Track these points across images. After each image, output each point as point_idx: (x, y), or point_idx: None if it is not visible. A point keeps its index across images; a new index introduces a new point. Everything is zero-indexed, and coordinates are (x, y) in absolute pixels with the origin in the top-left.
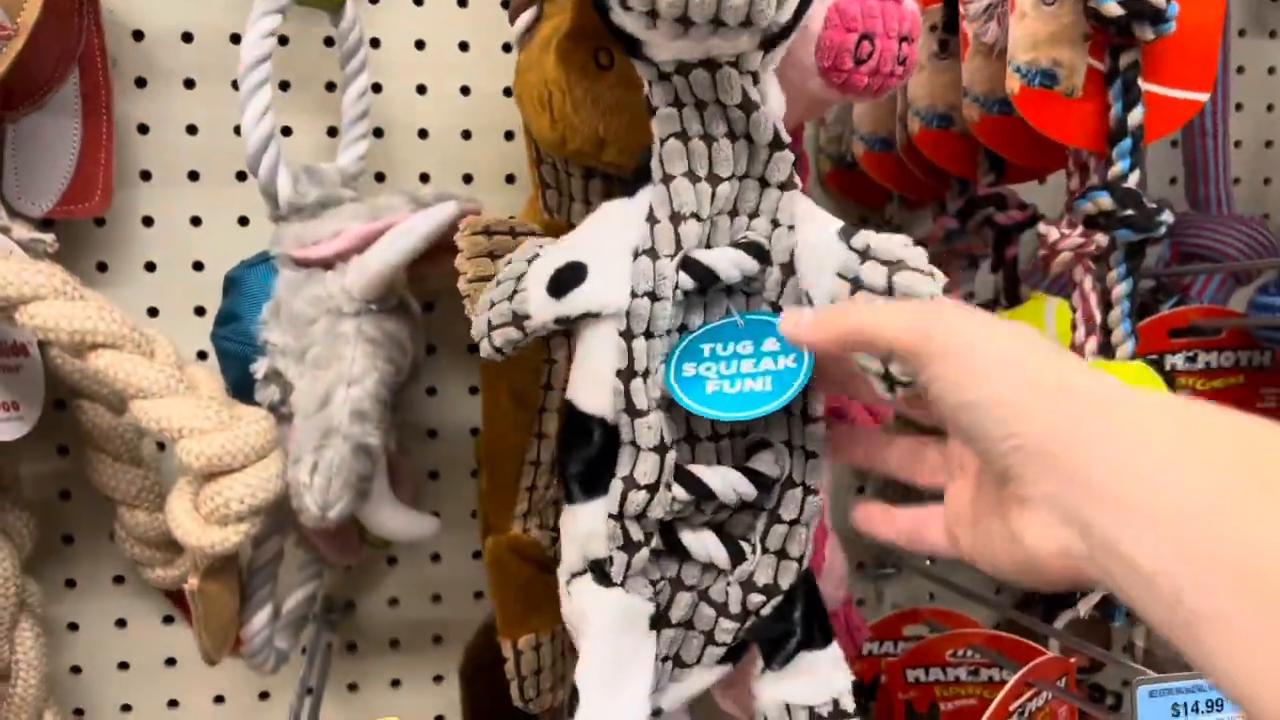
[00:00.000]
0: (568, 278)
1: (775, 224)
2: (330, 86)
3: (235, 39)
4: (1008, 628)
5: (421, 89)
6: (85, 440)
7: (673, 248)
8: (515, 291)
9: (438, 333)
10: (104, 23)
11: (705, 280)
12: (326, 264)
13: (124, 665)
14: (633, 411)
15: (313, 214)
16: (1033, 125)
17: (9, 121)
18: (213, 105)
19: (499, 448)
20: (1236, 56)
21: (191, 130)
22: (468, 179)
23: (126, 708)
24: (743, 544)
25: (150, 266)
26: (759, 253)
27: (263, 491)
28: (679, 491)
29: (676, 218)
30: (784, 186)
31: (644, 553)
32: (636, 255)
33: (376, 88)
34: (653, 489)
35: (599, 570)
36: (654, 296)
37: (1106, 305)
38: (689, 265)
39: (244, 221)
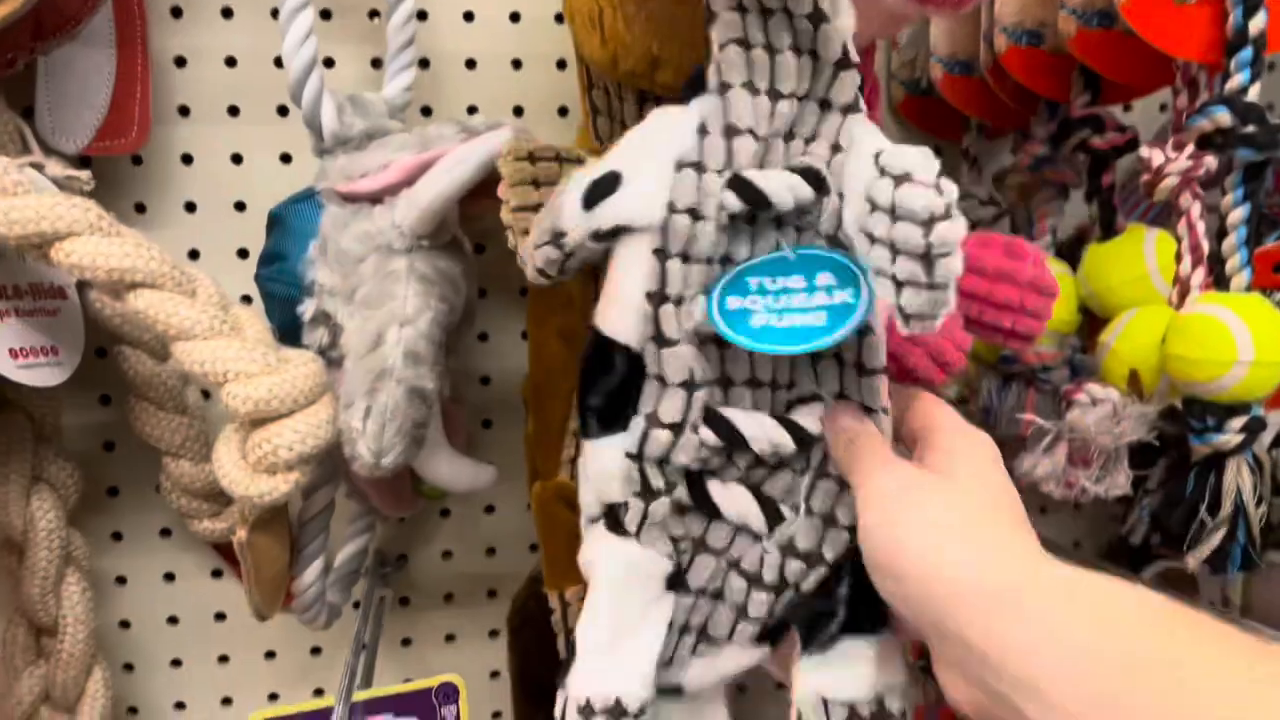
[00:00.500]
0: (602, 188)
1: (836, 149)
2: (374, 14)
3: None
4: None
5: (469, 15)
6: (128, 388)
7: (722, 164)
8: (554, 208)
9: (490, 276)
10: None
11: (755, 204)
12: (375, 198)
13: (173, 620)
14: (661, 340)
15: (359, 146)
16: (1142, 36)
17: (40, 53)
18: (252, 36)
19: (546, 390)
20: None
21: (230, 63)
22: (518, 111)
23: (176, 663)
24: (782, 507)
25: (190, 207)
26: (816, 180)
27: (313, 438)
28: (707, 435)
29: (730, 131)
30: (847, 110)
31: (664, 502)
32: (680, 167)
33: (422, 15)
34: (677, 429)
35: (613, 517)
36: (695, 214)
37: (1217, 234)
38: (738, 185)
39: (287, 159)
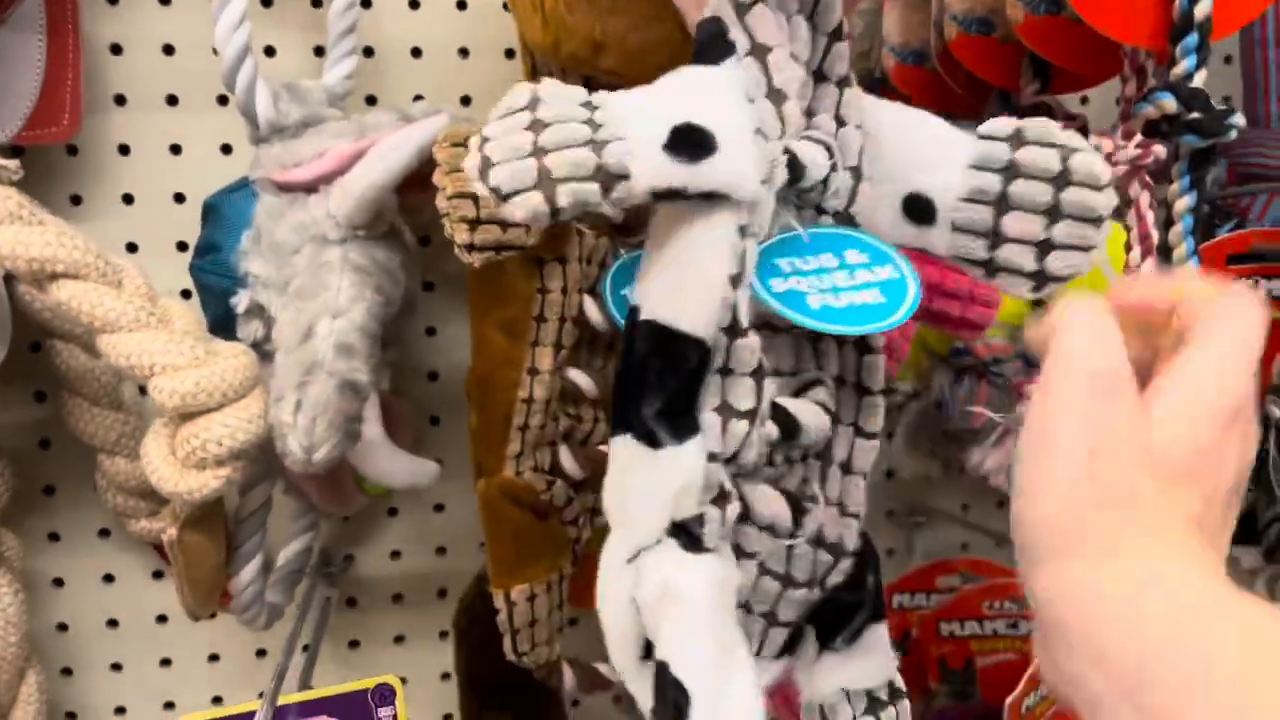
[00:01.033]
0: (697, 140)
1: (841, 122)
2: (317, 2)
3: None
4: None
5: (414, 3)
6: (61, 383)
7: (778, 132)
8: (596, 138)
9: (435, 268)
10: None
11: (795, 177)
12: (310, 188)
13: (113, 622)
14: (734, 330)
15: (295, 135)
16: (1088, 22)
17: None
18: (190, 23)
19: (489, 384)
20: None
21: (168, 50)
22: (465, 100)
23: (117, 666)
24: (802, 501)
25: (128, 198)
26: (829, 151)
27: (243, 433)
28: (771, 429)
29: (778, 96)
30: (842, 83)
31: (735, 507)
32: (755, 134)
33: (366, 2)
34: (752, 419)
35: (686, 534)
36: (766, 190)
37: (1165, 224)
38: (789, 156)
39: (227, 149)
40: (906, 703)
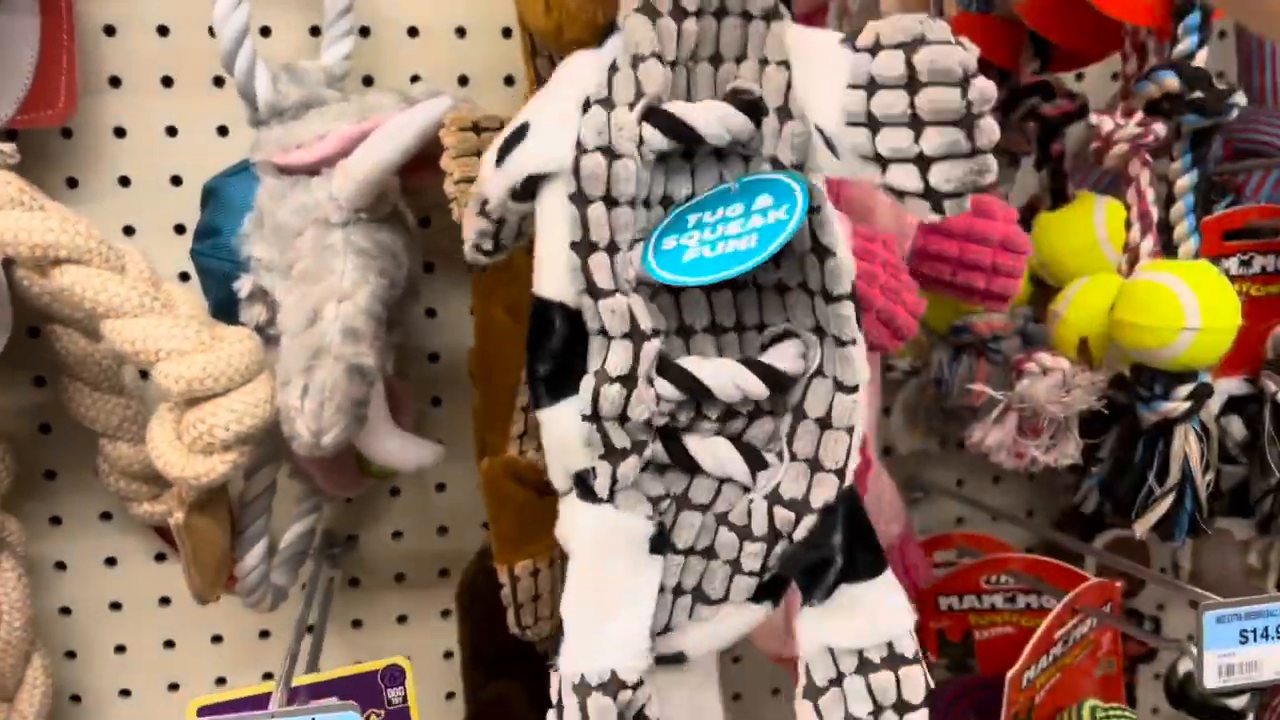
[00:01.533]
0: (511, 141)
1: (764, 62)
2: None
3: None
4: (1043, 549)
5: None
6: (61, 368)
7: (632, 95)
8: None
9: (437, 250)
10: None
11: (683, 138)
12: (311, 170)
13: (116, 605)
14: (594, 291)
15: (295, 116)
16: (1090, 1)
17: None
18: (184, 4)
19: (493, 365)
20: None
21: (163, 31)
22: (463, 80)
23: (120, 649)
24: (765, 454)
25: (124, 181)
26: (751, 106)
27: (250, 417)
28: (665, 388)
29: (636, 60)
30: (769, 17)
31: (632, 462)
32: (588, 106)
33: None
34: (627, 381)
35: (583, 484)
36: (610, 153)
37: (1165, 201)
38: (657, 117)
39: (224, 131)
40: (915, 668)
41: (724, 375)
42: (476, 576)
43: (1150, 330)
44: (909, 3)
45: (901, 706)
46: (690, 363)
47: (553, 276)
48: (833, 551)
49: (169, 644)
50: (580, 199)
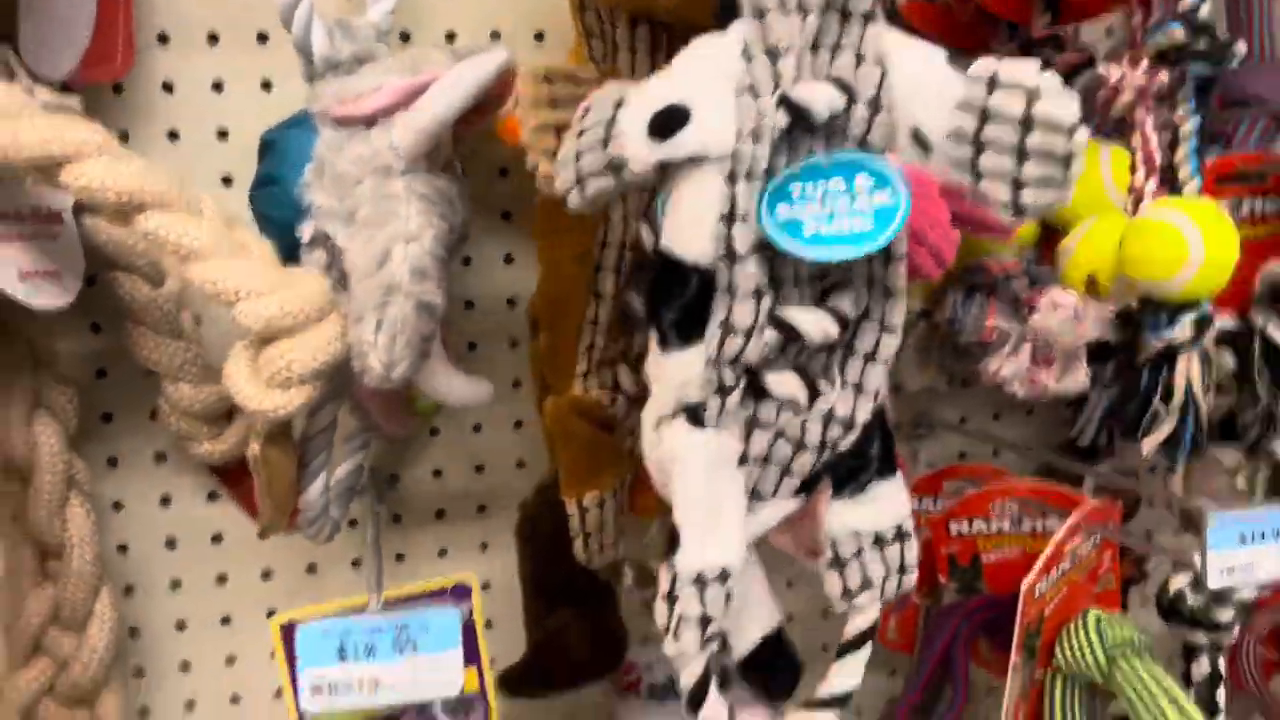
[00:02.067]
0: (671, 119)
1: (860, 59)
2: None
3: None
4: (1044, 472)
5: None
6: (125, 314)
7: (771, 85)
8: (608, 138)
9: (470, 199)
10: None
11: (798, 117)
12: (369, 121)
13: (170, 543)
14: (732, 257)
15: (348, 70)
16: None
17: None
18: None
19: (561, 310)
20: None
21: None
22: (495, 35)
23: (176, 584)
24: (820, 381)
25: (173, 135)
26: (845, 89)
27: (324, 353)
28: (772, 336)
29: (773, 53)
30: (867, 18)
31: (736, 395)
32: (738, 94)
33: None
34: (749, 333)
35: (693, 413)
36: (756, 137)
37: (1168, 147)
38: (787, 104)
39: (267, 86)
40: (912, 541)
41: (814, 323)
42: (539, 510)
43: (1157, 264)
44: None
45: (904, 569)
46: (788, 312)
47: (695, 241)
48: (869, 458)
49: (221, 579)
50: (732, 178)
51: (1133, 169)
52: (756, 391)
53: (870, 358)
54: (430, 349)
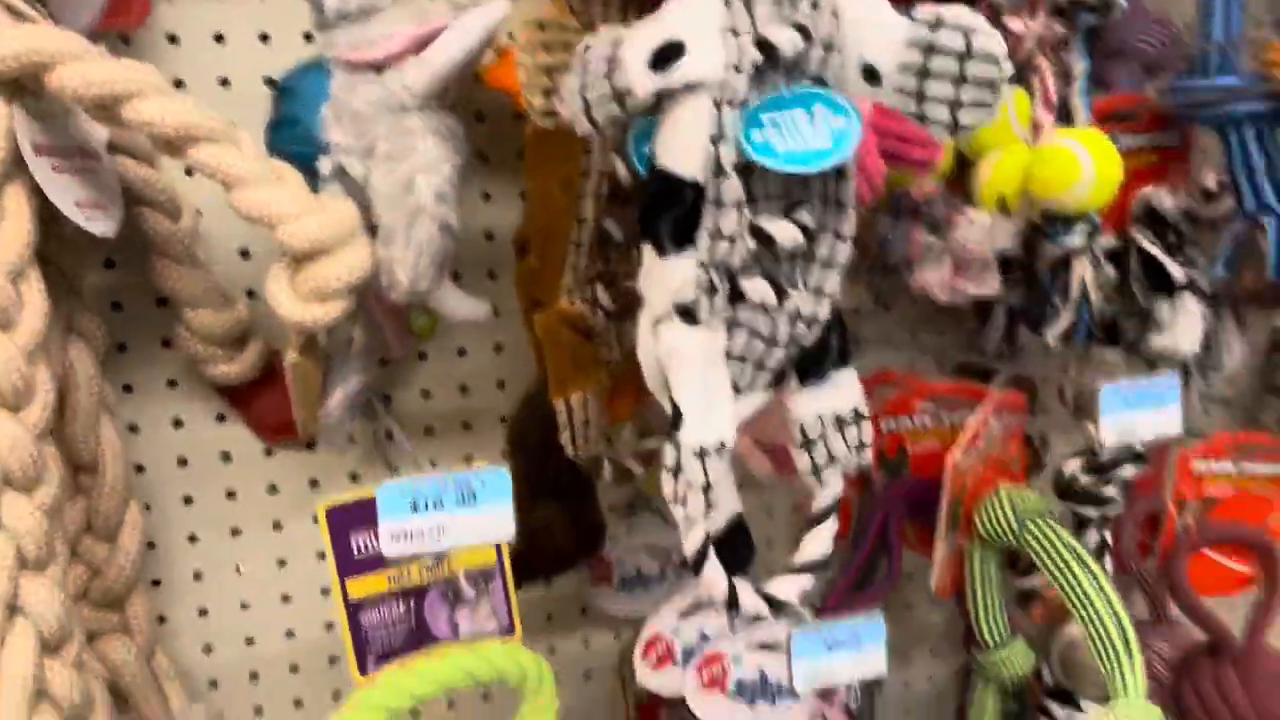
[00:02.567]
0: (668, 52)
1: (816, 5)
2: None
3: None
4: (959, 370)
5: None
6: (149, 248)
7: (748, 26)
8: (611, 71)
9: None
10: None
11: (769, 56)
12: (378, 66)
13: (183, 462)
14: (720, 172)
15: (357, 20)
16: None
17: None
18: None
19: (550, 232)
20: None
21: None
22: None
23: (189, 500)
24: (786, 286)
25: (179, 83)
26: (805, 32)
27: (358, 270)
28: (751, 243)
29: (748, 0)
30: None
31: (721, 296)
32: (723, 34)
33: None
34: (734, 239)
35: (686, 312)
36: (738, 70)
37: (1062, 84)
38: (761, 43)
39: (265, 38)
40: (867, 423)
41: (785, 232)
42: (526, 419)
43: (1057, 181)
44: None
45: (862, 445)
46: (763, 222)
47: (689, 158)
48: (831, 350)
49: (230, 494)
50: (720, 104)
51: (1033, 106)
52: (734, 296)
53: (827, 264)
54: (448, 266)
